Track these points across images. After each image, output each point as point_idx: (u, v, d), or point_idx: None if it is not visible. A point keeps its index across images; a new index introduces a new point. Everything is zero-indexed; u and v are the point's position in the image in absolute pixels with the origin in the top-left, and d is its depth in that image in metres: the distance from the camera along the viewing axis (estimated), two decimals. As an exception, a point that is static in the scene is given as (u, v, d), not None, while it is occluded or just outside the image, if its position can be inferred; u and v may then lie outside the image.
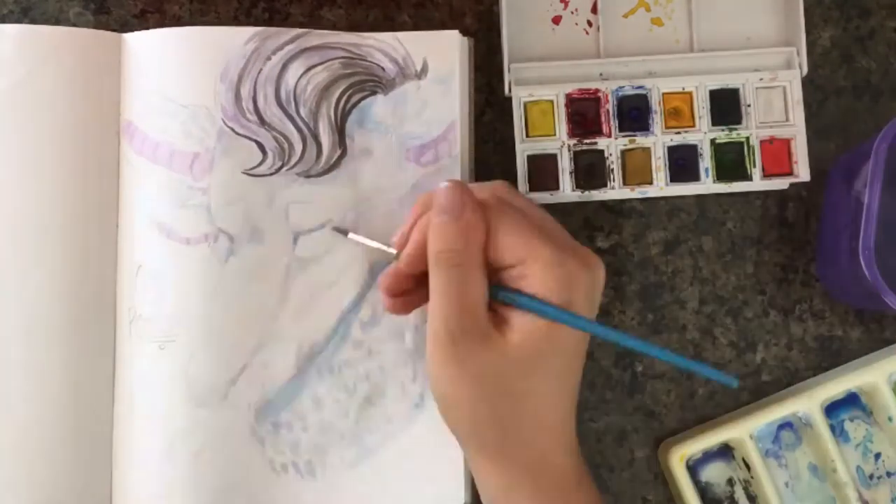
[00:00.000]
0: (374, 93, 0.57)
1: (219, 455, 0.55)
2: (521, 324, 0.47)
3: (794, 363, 0.60)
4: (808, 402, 0.58)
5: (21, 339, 0.54)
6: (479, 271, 0.47)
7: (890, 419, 0.58)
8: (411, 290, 0.51)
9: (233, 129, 0.56)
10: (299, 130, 0.56)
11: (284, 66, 0.56)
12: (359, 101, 0.57)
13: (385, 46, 0.57)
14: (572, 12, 0.60)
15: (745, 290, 0.60)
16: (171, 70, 0.56)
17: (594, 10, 0.60)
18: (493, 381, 0.47)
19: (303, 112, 0.56)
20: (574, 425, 0.49)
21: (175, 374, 0.55)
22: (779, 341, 0.60)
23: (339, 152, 0.56)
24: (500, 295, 0.47)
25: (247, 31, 0.56)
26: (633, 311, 0.60)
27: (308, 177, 0.56)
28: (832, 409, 0.59)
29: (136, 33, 0.57)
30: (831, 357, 0.60)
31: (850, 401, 0.59)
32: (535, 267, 0.46)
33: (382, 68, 0.57)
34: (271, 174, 0.56)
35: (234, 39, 0.56)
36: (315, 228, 0.56)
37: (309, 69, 0.56)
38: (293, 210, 0.56)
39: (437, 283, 0.47)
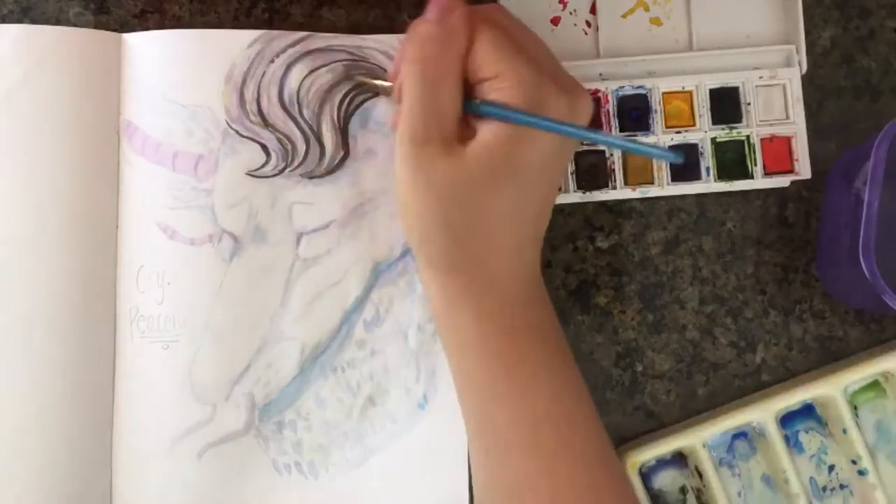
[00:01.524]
0: (376, 94, 0.57)
1: (222, 455, 0.55)
2: (485, 134, 0.46)
3: (794, 363, 0.60)
4: (762, 413, 0.57)
5: (20, 339, 0.54)
6: (454, 80, 0.46)
7: (844, 431, 0.58)
8: None
9: (237, 131, 0.56)
10: (302, 132, 0.56)
11: (288, 69, 0.56)
12: (361, 103, 0.57)
13: (387, 48, 0.57)
14: (571, 13, 0.60)
15: (745, 290, 0.60)
16: (172, 71, 0.56)
17: (593, 10, 0.60)
18: (448, 192, 0.46)
19: (306, 114, 0.56)
20: (536, 255, 0.49)
21: (179, 374, 0.55)
22: (779, 341, 0.60)
23: (341, 153, 0.57)
24: (469, 106, 0.46)
25: (251, 34, 0.57)
26: (633, 311, 0.59)
27: (311, 178, 0.56)
28: (787, 419, 0.59)
29: (137, 34, 0.57)
30: (831, 357, 0.60)
31: (806, 412, 0.59)
32: (509, 82, 0.45)
33: (385, 70, 0.57)
34: (275, 175, 0.56)
35: (238, 42, 0.57)
36: (318, 228, 0.56)
37: (312, 71, 0.57)
38: (296, 211, 0.56)
39: (408, 86, 0.46)
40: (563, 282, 0.59)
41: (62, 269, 0.54)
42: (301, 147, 0.56)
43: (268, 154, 0.56)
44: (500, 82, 0.45)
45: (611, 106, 0.58)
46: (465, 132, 0.46)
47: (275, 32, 0.57)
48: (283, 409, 0.55)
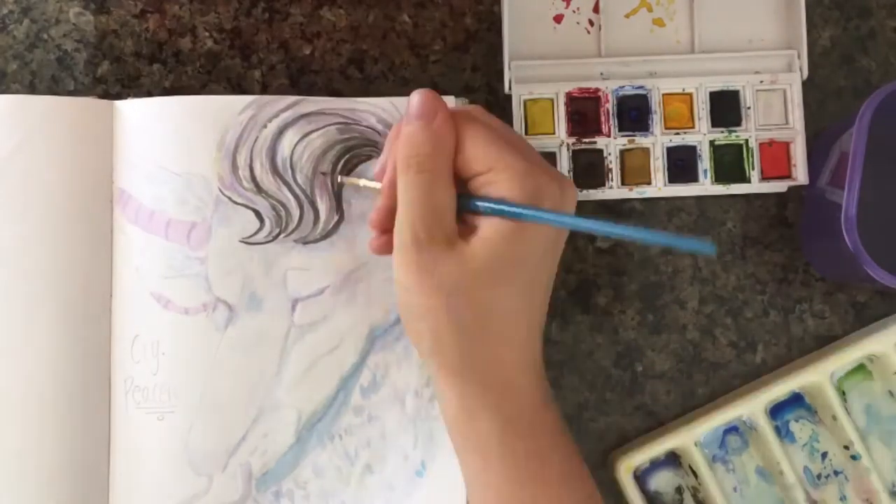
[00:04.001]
0: (370, 157, 0.56)
1: None
2: (486, 229, 0.46)
3: (793, 363, 0.60)
4: (752, 406, 0.58)
5: (14, 412, 0.54)
6: (447, 178, 0.46)
7: (834, 418, 0.58)
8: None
9: (230, 198, 0.56)
10: (296, 197, 0.56)
11: (280, 134, 0.56)
12: (356, 166, 0.56)
13: (380, 111, 0.57)
14: (574, 11, 0.60)
15: (745, 290, 0.60)
16: (165, 138, 0.56)
17: (596, 9, 0.60)
18: (457, 290, 0.45)
19: (299, 179, 0.56)
20: (540, 344, 0.49)
21: (174, 445, 0.54)
22: (779, 341, 0.60)
23: (336, 218, 0.56)
24: (466, 203, 0.47)
25: (242, 100, 0.56)
26: (633, 311, 0.60)
27: (306, 243, 0.56)
28: (777, 410, 0.59)
29: (129, 101, 0.56)
30: (830, 358, 0.60)
31: (795, 401, 0.59)
32: (504, 175, 0.45)
33: (378, 132, 0.56)
34: (269, 241, 0.56)
35: (230, 108, 0.56)
36: (313, 294, 0.56)
37: (305, 136, 0.56)
38: (291, 277, 0.56)
39: (404, 189, 0.46)
40: (563, 282, 0.60)
41: (56, 340, 0.54)
42: (295, 212, 0.56)
43: (261, 220, 0.56)
44: (494, 175, 0.46)
45: (610, 105, 0.58)
46: (463, 228, 0.46)
47: (266, 98, 0.56)
48: (280, 479, 0.55)
